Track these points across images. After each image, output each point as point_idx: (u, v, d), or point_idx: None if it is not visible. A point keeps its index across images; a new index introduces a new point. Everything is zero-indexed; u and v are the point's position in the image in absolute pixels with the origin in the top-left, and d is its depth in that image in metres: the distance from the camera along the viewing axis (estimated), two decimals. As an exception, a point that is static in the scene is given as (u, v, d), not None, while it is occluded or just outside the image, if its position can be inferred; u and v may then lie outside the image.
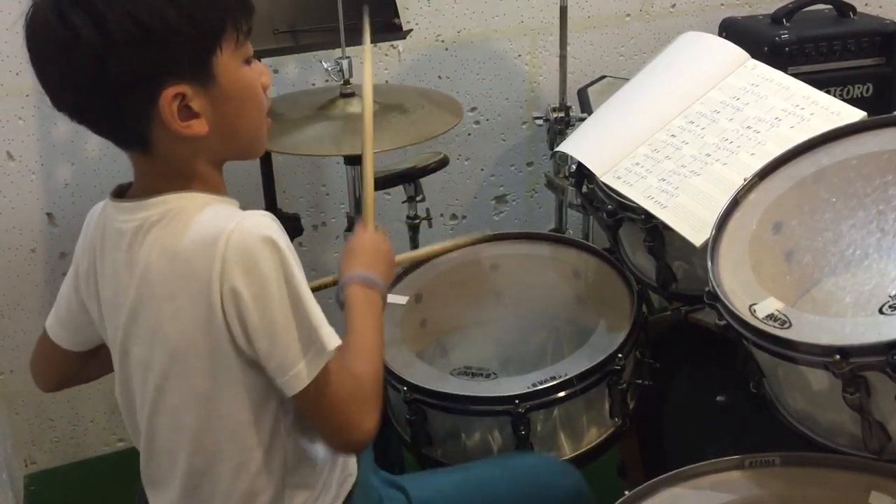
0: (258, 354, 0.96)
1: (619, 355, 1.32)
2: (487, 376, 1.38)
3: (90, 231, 1.07)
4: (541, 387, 1.28)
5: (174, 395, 1.01)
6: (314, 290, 1.21)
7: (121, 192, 1.04)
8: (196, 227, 0.95)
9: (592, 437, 1.35)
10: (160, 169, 0.99)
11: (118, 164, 1.98)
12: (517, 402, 1.26)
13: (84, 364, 1.18)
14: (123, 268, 1.00)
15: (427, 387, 1.32)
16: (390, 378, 1.35)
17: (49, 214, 1.97)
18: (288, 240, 0.97)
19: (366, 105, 1.30)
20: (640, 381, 1.40)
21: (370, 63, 1.36)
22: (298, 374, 0.96)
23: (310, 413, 1.02)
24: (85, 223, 1.09)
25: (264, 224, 0.95)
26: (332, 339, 0.98)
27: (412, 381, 1.32)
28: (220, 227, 0.94)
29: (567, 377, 1.29)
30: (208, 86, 0.95)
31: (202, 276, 0.93)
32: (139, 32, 0.89)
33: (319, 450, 1.09)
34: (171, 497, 1.07)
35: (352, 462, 1.16)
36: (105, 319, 1.06)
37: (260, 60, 1.05)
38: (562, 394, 1.29)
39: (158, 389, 1.01)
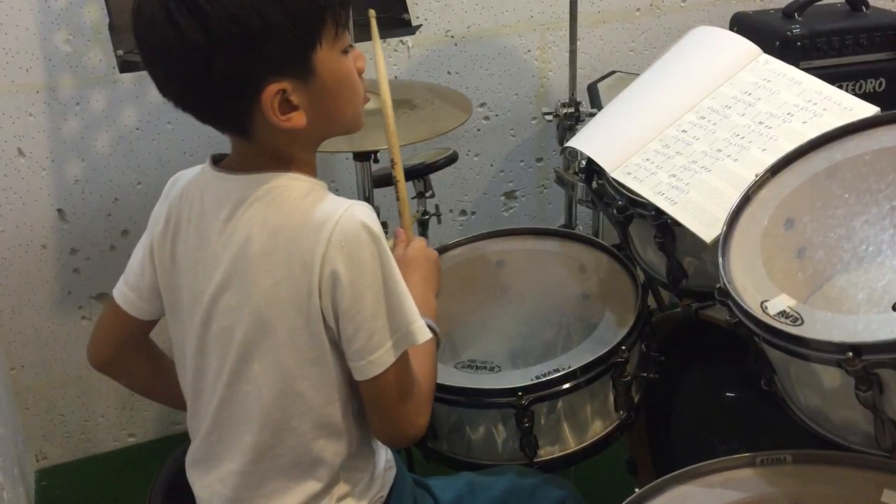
0: (340, 336, 1.00)
1: (623, 347, 1.32)
2: (492, 369, 1.38)
3: (172, 196, 1.09)
4: (544, 379, 1.28)
5: (256, 366, 1.02)
6: None
7: (216, 161, 1.06)
8: (304, 208, 0.99)
9: (597, 429, 1.35)
10: (259, 151, 1.02)
11: (128, 160, 1.98)
12: (520, 394, 1.26)
13: (140, 345, 1.18)
14: (216, 236, 1.02)
15: None
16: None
17: (59, 210, 1.98)
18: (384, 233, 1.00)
19: (387, 112, 1.27)
20: (645, 375, 1.40)
21: (384, 76, 1.28)
22: (377, 360, 0.99)
23: (376, 400, 1.04)
24: (167, 187, 1.11)
25: (370, 216, 0.98)
26: (422, 333, 1.01)
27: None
28: (330, 211, 0.97)
29: (571, 369, 1.29)
30: (308, 80, 0.97)
31: (306, 255, 0.97)
32: (241, 33, 0.91)
33: (377, 440, 1.13)
34: (228, 470, 1.07)
35: (391, 453, 1.19)
36: (181, 285, 1.07)
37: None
38: (566, 386, 1.28)
39: (241, 360, 1.03)
